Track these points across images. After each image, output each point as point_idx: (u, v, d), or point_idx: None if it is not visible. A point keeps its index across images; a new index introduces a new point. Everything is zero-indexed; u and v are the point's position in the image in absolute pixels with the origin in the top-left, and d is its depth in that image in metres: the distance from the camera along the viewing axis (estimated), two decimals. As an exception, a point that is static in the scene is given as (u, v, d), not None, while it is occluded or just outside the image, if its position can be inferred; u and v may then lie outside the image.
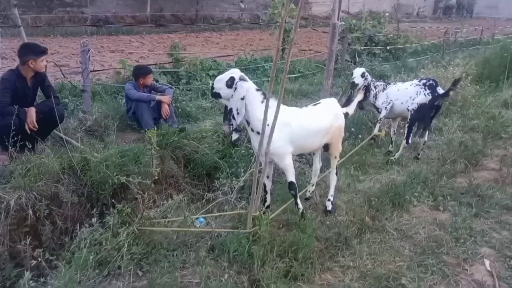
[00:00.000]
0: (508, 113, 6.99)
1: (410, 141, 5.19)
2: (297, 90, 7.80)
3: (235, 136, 3.47)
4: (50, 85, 4.59)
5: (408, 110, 5.12)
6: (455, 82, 5.12)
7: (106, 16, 19.20)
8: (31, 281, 2.85)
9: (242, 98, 3.32)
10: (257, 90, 3.42)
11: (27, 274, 2.91)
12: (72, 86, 6.56)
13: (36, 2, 17.68)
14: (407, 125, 5.17)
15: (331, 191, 3.99)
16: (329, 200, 3.96)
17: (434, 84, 5.08)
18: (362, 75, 5.46)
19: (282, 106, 3.19)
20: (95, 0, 19.22)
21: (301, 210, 3.65)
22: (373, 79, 5.63)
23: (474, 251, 3.50)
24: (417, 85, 5.13)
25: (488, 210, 4.14)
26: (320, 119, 3.66)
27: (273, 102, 3.13)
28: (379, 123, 5.59)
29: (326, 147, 3.93)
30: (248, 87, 3.35)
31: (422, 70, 8.26)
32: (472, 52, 13.41)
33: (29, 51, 4.27)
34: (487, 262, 3.36)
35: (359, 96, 4.56)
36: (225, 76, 3.37)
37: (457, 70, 7.85)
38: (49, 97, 4.45)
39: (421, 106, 5.01)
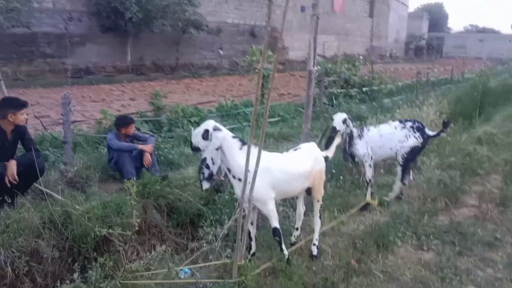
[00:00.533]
0: (482, 150, 7.19)
1: (406, 181, 5.24)
2: (277, 134, 7.92)
3: (206, 185, 3.53)
4: (30, 138, 4.58)
5: (397, 154, 5.12)
6: (446, 125, 5.28)
7: (87, 66, 19.42)
8: None
9: (217, 149, 3.39)
10: (234, 137, 3.50)
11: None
12: (52, 138, 6.54)
13: (16, 54, 17.81)
14: (400, 167, 5.16)
15: (316, 235, 3.99)
16: (314, 244, 3.96)
17: (421, 126, 5.22)
18: (344, 122, 4.96)
19: (263, 152, 3.25)
20: (75, 51, 19.48)
21: (286, 256, 3.63)
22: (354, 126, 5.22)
23: (460, 291, 3.51)
24: (403, 128, 5.15)
25: (471, 248, 4.19)
26: (301, 164, 3.72)
27: (254, 148, 3.19)
28: (370, 187, 5.14)
29: (309, 191, 3.97)
30: (223, 136, 3.42)
31: (398, 110, 8.51)
32: (444, 91, 13.93)
33: (9, 104, 4.26)
34: (473, 301, 3.37)
35: (337, 140, 4.67)
36: (200, 129, 3.45)
37: (431, 110, 8.13)
38: (29, 150, 4.42)
39: (413, 149, 5.11)
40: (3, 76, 6.49)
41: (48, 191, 4.58)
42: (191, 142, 3.52)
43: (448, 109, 9.00)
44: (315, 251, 3.92)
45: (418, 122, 5.31)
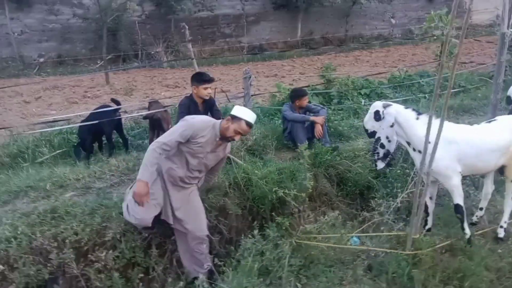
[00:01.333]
0: None
1: None
2: (458, 106, 7.23)
3: (380, 165, 3.48)
4: (217, 109, 5.14)
5: None
6: None
7: (261, 44, 20.62)
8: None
9: (392, 125, 3.30)
10: (406, 108, 3.36)
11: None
12: (234, 109, 7.22)
13: (201, 35, 19.96)
14: None
15: (505, 217, 3.60)
16: (501, 226, 3.59)
17: None
18: None
19: (448, 123, 3.06)
20: (250, 30, 20.86)
21: (468, 236, 3.38)
22: None
23: None
24: None
25: None
26: (495, 138, 3.36)
27: (435, 120, 3.02)
28: None
29: (502, 169, 3.58)
30: (396, 110, 3.31)
31: None
32: None
33: (194, 79, 4.76)
34: None
35: None
36: (370, 113, 3.41)
37: None
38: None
39: None
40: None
41: (232, 156, 5.13)
42: (366, 130, 3.55)
43: None
44: (501, 234, 3.56)
45: None
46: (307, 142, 5.49)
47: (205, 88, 4.70)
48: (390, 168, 5.09)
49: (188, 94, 4.98)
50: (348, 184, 5.08)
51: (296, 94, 5.81)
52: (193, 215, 3.65)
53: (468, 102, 7.54)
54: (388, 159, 3.55)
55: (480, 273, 3.05)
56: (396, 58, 15.70)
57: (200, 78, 4.74)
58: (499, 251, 3.38)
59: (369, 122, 3.42)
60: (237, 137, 3.57)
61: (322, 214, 4.52)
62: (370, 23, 23.85)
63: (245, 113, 3.51)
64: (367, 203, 4.47)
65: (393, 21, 24.06)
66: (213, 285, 3.41)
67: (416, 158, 3.32)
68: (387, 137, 3.35)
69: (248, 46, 19.95)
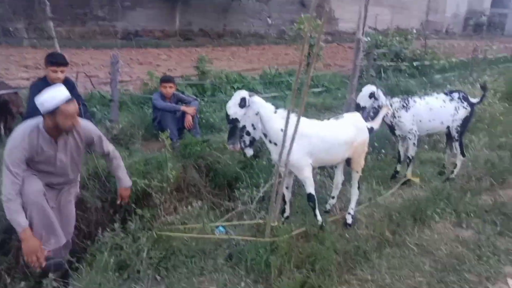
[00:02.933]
0: (537, 132, 6.80)
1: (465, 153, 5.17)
2: (320, 104, 7.81)
3: (249, 152, 3.54)
4: (78, 94, 4.72)
5: (450, 128, 4.96)
6: (484, 89, 5.22)
7: (136, 30, 19.77)
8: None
9: (257, 113, 3.39)
10: (266, 102, 3.50)
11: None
12: (100, 96, 6.77)
13: (70, 16, 18.38)
14: (456, 142, 5.02)
15: (352, 205, 3.97)
16: (349, 213, 3.94)
17: (466, 95, 5.06)
18: (370, 96, 4.59)
19: (302, 118, 3.23)
20: (126, 15, 19.84)
21: (319, 222, 3.64)
22: (388, 98, 4.82)
23: (497, 270, 3.41)
24: (451, 100, 4.95)
25: (514, 229, 4.03)
26: (342, 133, 3.67)
27: (293, 115, 3.18)
28: (412, 163, 4.99)
29: (349, 161, 3.92)
30: (259, 101, 3.42)
31: (449, 86, 8.15)
32: (503, 69, 13.13)
33: (46, 59, 4.20)
34: (510, 281, 3.26)
35: (384, 110, 4.50)
36: (236, 99, 3.40)
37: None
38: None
39: (465, 120, 4.97)
40: (57, 36, 6.75)
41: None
42: (227, 116, 3.44)
43: (504, 89, 8.50)
44: (349, 220, 3.91)
45: (462, 92, 5.13)
46: (177, 138, 5.42)
47: (54, 71, 4.11)
48: (257, 159, 5.29)
49: (42, 76, 4.50)
50: (217, 175, 5.12)
51: (162, 79, 5.70)
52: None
53: (329, 101, 8.19)
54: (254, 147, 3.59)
55: (330, 256, 3.29)
56: (270, 56, 16.38)
57: (48, 60, 4.15)
58: (347, 235, 3.70)
59: (232, 108, 3.39)
60: (75, 122, 3.07)
61: (189, 204, 4.50)
62: (247, 21, 24.52)
63: (53, 100, 2.95)
64: (234, 194, 4.55)
65: (269, 20, 25.09)
66: (64, 283, 3.13)
67: (272, 149, 3.47)
68: (252, 125, 3.41)
69: (122, 32, 18.95)
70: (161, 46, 17.32)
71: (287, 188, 3.71)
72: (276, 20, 25.80)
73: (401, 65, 11.08)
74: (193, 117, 5.51)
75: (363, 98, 4.64)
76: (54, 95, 2.97)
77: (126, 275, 3.07)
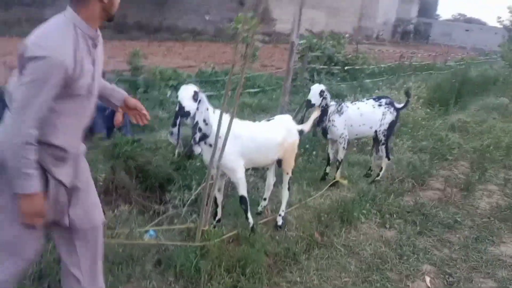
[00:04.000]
0: (454, 137, 7.35)
1: (391, 156, 5.38)
2: (256, 105, 7.88)
3: (198, 149, 3.37)
4: None
5: (378, 132, 5.18)
6: (408, 94, 5.49)
7: (65, 20, 18.80)
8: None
9: (207, 109, 3.27)
10: None
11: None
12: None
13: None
14: (382, 146, 5.24)
15: (283, 206, 4.03)
16: (280, 215, 4.00)
17: (391, 100, 5.34)
18: (321, 94, 4.75)
19: (235, 119, 3.21)
20: (55, 2, 18.73)
21: (251, 225, 3.66)
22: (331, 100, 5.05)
23: (416, 268, 3.63)
24: (380, 105, 5.18)
25: (431, 228, 4.31)
26: (273, 135, 3.71)
27: (226, 116, 3.16)
28: (340, 166, 5.13)
29: (280, 162, 3.98)
30: (205, 98, 3.34)
31: (377, 91, 8.56)
32: (426, 76, 14.03)
33: None
34: (427, 279, 3.48)
35: (315, 114, 4.63)
36: (188, 92, 3.23)
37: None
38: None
39: (391, 125, 5.20)
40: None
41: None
42: (181, 107, 3.22)
43: (426, 95, 9.09)
44: (280, 222, 3.96)
45: (389, 98, 5.43)
46: (106, 137, 5.20)
47: None
48: (191, 160, 5.20)
49: None
50: (148, 177, 4.97)
51: None
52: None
53: (265, 102, 8.29)
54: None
55: (260, 259, 3.31)
56: (207, 54, 16.26)
57: None
58: (277, 237, 3.75)
59: (186, 100, 3.20)
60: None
61: (117, 208, 4.32)
62: (185, 16, 24.16)
63: None
64: (166, 196, 4.44)
65: (207, 17, 24.89)
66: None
67: (205, 151, 3.38)
68: (204, 120, 3.26)
69: (50, 21, 17.93)
70: (92, 39, 16.56)
71: (219, 190, 3.68)
72: (214, 17, 25.66)
73: (334, 69, 11.47)
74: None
75: (314, 96, 4.73)
76: None
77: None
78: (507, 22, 14.85)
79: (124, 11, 20.95)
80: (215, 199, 3.59)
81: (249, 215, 3.66)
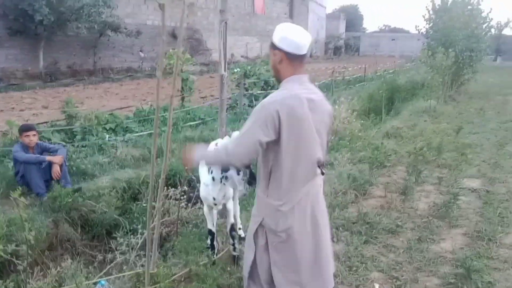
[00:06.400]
0: (389, 143, 7.74)
1: None
2: (198, 137, 7.92)
3: None
4: None
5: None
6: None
7: (-6, 73, 18.04)
8: None
9: None
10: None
11: None
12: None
13: None
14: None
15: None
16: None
17: None
18: None
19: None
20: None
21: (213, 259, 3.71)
22: None
23: (365, 277, 3.77)
24: None
25: (376, 236, 4.50)
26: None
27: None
28: None
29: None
30: None
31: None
32: (359, 88, 14.75)
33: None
34: (376, 286, 3.63)
35: None
36: None
37: (343, 108, 8.59)
38: None
39: None
40: None
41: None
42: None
43: (359, 107, 9.56)
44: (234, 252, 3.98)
45: None
46: (45, 191, 5.06)
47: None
48: (136, 203, 5.15)
49: None
50: (93, 225, 4.86)
51: (21, 128, 5.32)
52: None
53: (207, 133, 8.35)
54: None
55: (213, 293, 3.33)
56: (145, 91, 16.16)
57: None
58: (228, 269, 3.77)
59: None
60: None
61: (64, 262, 4.18)
62: (119, 56, 23.94)
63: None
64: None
65: (142, 54, 24.80)
66: None
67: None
68: None
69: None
70: (24, 89, 16.00)
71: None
72: (149, 53, 25.62)
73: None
74: (61, 166, 5.19)
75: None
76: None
77: None
78: (423, 30, 16.00)
79: (54, 58, 20.46)
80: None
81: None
